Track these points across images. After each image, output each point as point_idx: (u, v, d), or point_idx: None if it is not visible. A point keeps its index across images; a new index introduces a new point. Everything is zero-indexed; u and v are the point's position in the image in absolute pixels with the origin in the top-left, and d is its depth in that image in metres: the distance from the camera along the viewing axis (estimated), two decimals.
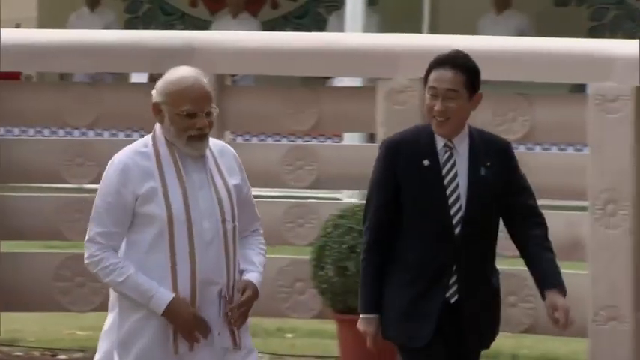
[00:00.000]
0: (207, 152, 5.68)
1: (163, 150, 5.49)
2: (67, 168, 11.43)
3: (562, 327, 5.49)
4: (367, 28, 17.35)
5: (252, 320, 8.27)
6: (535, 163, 10.22)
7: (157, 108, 5.51)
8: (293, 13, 21.58)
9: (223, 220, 5.43)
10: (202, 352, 5.47)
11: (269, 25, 20.53)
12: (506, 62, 11.03)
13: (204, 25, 20.58)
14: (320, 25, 20.53)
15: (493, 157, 5.59)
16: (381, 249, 5.65)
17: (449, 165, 5.45)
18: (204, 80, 5.63)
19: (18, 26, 19.27)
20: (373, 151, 8.91)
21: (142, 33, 16.04)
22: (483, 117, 9.27)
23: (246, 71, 13.00)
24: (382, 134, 10.45)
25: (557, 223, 9.45)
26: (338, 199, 13.15)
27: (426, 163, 5.44)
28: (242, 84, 14.62)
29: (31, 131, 14.74)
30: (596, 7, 21.45)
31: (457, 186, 5.47)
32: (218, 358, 5.52)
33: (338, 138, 14.16)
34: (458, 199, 5.46)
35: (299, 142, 11.78)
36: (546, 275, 5.55)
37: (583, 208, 10.97)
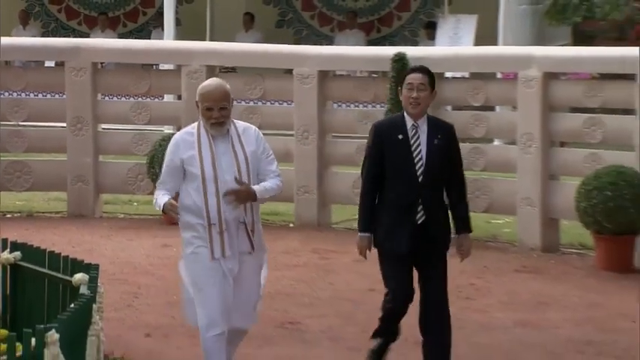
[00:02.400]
0: (233, 130, 6.89)
1: (202, 131, 6.85)
2: None
3: (462, 259, 7.37)
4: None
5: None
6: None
7: (196, 104, 6.93)
8: None
9: (239, 175, 6.82)
10: (230, 256, 6.89)
11: None
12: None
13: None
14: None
15: (442, 133, 7.10)
16: (373, 192, 7.16)
17: (415, 138, 7.02)
18: (223, 87, 6.89)
19: None
20: (180, 104, 13.39)
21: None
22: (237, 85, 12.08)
23: (111, 60, 16.19)
24: (185, 96, 13.84)
25: None
26: (162, 131, 15.44)
27: (400, 137, 7.02)
28: (108, 68, 16.68)
29: None
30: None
31: (420, 151, 7.01)
32: (240, 260, 6.89)
33: (161, 97, 16.06)
34: (420, 159, 7.00)
35: (139, 99, 14.69)
36: (457, 221, 7.29)
37: None
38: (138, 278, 10.79)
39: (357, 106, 14.77)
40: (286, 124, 14.19)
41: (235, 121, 6.94)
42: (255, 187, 6.83)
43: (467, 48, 17.32)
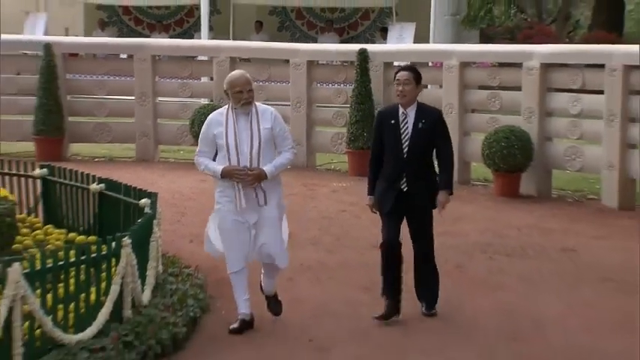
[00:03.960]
0: (253, 111, 6.27)
1: (229, 113, 6.29)
2: None
3: (441, 209, 6.47)
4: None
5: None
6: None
7: (225, 92, 6.36)
8: None
9: (251, 146, 6.18)
10: (250, 208, 6.25)
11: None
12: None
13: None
14: None
15: (427, 118, 6.36)
16: (375, 166, 6.51)
17: (403, 122, 6.35)
18: (246, 75, 6.33)
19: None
20: (212, 84, 14.08)
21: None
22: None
23: (165, 54, 15.45)
24: (215, 78, 13.99)
25: None
26: (199, 102, 14.71)
27: (392, 122, 6.37)
28: (163, 59, 15.43)
29: None
30: None
31: (407, 133, 6.33)
32: (258, 211, 6.26)
33: (199, 79, 15.40)
34: (407, 139, 6.33)
35: (184, 80, 14.57)
36: (440, 183, 6.46)
37: None
38: (184, 202, 10.82)
39: (334, 85, 14.74)
40: (285, 97, 14.13)
41: (257, 103, 6.37)
42: (266, 168, 6.19)
43: (408, 45, 17.41)
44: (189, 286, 6.88)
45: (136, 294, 6.17)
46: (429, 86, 13.88)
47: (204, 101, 14.67)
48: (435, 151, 6.49)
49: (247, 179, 6.14)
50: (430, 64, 13.67)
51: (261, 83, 14.29)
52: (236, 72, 6.44)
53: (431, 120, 6.39)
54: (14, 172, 9.02)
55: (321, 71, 14.48)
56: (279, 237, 6.37)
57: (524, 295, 7.40)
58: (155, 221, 6.98)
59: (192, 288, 6.90)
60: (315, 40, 21.27)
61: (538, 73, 11.95)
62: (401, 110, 6.39)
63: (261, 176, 6.18)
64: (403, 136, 6.33)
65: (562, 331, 6.51)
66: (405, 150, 6.32)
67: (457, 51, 13.25)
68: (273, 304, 6.57)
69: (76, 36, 19.20)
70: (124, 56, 15.34)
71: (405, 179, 6.35)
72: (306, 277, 7.64)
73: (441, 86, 13.30)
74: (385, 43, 19.46)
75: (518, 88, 12.38)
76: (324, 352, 5.92)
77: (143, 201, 7.15)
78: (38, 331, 5.39)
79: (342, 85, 14.37)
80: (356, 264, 8.18)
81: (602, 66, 11.34)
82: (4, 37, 14.51)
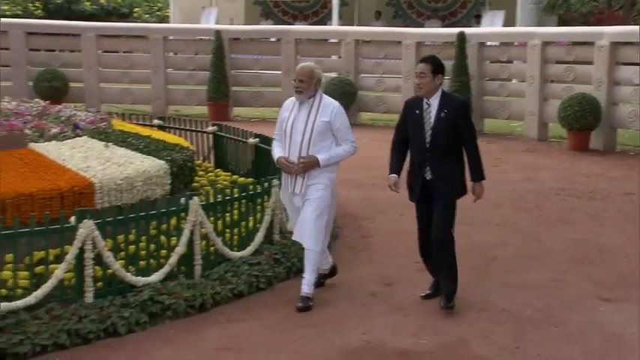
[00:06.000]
0: (316, 102, 5.12)
1: (296, 101, 5.20)
2: None
3: (475, 199, 5.10)
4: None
5: None
6: None
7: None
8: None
9: (303, 135, 5.06)
10: (296, 192, 5.16)
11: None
12: None
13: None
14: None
15: (450, 108, 5.01)
16: (396, 150, 5.14)
17: (426, 112, 5.04)
18: (306, 67, 5.15)
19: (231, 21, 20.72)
20: (340, 61, 13.74)
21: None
22: None
23: (305, 37, 15.59)
24: (343, 57, 14.10)
25: None
26: (331, 75, 15.64)
27: (417, 112, 5.07)
28: (304, 41, 16.30)
29: None
30: None
31: (430, 122, 5.01)
32: (302, 196, 5.12)
33: (330, 57, 14.92)
34: (430, 128, 5.01)
35: (320, 58, 14.00)
36: (471, 173, 5.07)
37: None
38: None
39: None
40: (397, 71, 13.91)
41: (325, 96, 5.19)
42: (320, 156, 5.08)
43: (498, 28, 16.81)
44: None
45: (282, 223, 6.21)
46: (514, 62, 13.40)
47: (333, 75, 14.50)
48: (460, 139, 5.07)
49: (293, 171, 5.08)
50: (516, 43, 13.28)
51: (378, 60, 14.16)
52: (303, 63, 5.31)
53: (453, 110, 5.05)
54: (193, 128, 9.20)
55: (427, 50, 14.10)
56: (311, 220, 5.08)
57: (591, 229, 7.16)
58: None
59: None
60: (422, 26, 20.75)
61: (607, 50, 11.55)
62: (425, 100, 5.10)
63: (312, 164, 5.05)
64: (426, 125, 5.06)
65: (623, 256, 6.32)
66: (428, 139, 5.04)
67: (539, 32, 12.87)
68: (303, 301, 5.09)
69: (239, 25, 19.32)
70: (274, 39, 15.32)
71: (427, 167, 5.05)
72: (411, 215, 7.55)
73: (525, 61, 12.91)
74: (479, 27, 18.80)
75: (590, 63, 11.95)
76: (426, 271, 5.83)
77: None
78: (212, 248, 5.54)
79: (443, 61, 14.08)
80: None
81: None
82: (186, 26, 15.05)
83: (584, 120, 11.32)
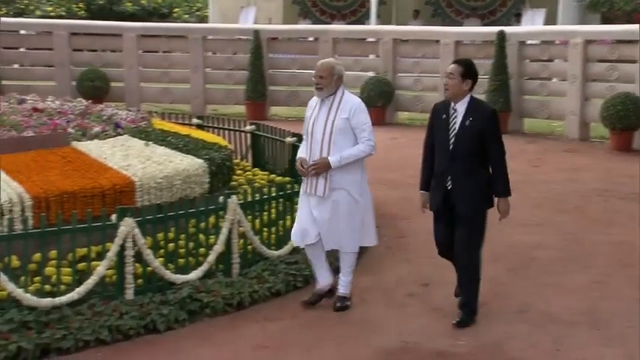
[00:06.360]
0: (336, 100, 4.90)
1: (318, 99, 4.99)
2: None
3: (500, 218, 4.72)
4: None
5: None
6: None
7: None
8: None
9: (324, 133, 4.85)
10: (312, 194, 4.93)
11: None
12: None
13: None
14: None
15: (476, 115, 4.65)
16: (428, 160, 4.82)
17: (452, 118, 4.69)
18: (326, 63, 4.96)
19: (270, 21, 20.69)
20: (377, 60, 13.56)
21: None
22: None
23: (343, 37, 16.02)
24: (381, 55, 13.91)
25: None
26: (368, 74, 15.63)
27: (444, 116, 4.73)
28: (342, 40, 16.51)
29: None
30: None
31: (455, 129, 4.66)
32: (324, 198, 4.89)
33: (367, 56, 14.99)
34: (454, 135, 4.65)
35: (357, 58, 14.51)
36: (495, 189, 4.68)
37: None
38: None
39: (477, 60, 14.00)
40: (435, 70, 13.74)
41: (347, 93, 4.96)
42: (331, 158, 4.83)
43: (539, 27, 16.57)
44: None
45: None
46: (555, 60, 13.28)
47: (371, 74, 14.46)
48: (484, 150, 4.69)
49: (307, 174, 4.89)
50: (557, 42, 13.12)
51: (416, 59, 14.08)
52: (324, 59, 5.12)
53: (480, 118, 4.66)
54: (231, 127, 9.26)
55: (466, 49, 14.04)
56: (344, 225, 4.91)
57: (634, 231, 6.98)
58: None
59: None
60: (461, 25, 20.55)
61: None
62: (452, 105, 4.74)
63: (324, 166, 4.83)
64: (451, 131, 4.70)
65: None
66: (451, 147, 4.68)
67: (581, 30, 12.67)
68: (340, 300, 5.01)
69: (277, 24, 19.39)
70: (311, 39, 15.34)
71: (449, 177, 4.68)
72: None
73: (566, 60, 12.71)
74: (519, 25, 18.60)
75: (634, 61, 11.69)
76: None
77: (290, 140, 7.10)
78: (249, 247, 5.57)
79: (482, 60, 13.86)
80: None
81: None
82: (225, 25, 15.01)
83: (627, 119, 11.14)
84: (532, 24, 17.72)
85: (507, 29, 13.60)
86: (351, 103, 4.91)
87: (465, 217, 4.64)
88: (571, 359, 4.30)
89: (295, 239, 5.09)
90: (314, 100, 5.04)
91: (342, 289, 5.04)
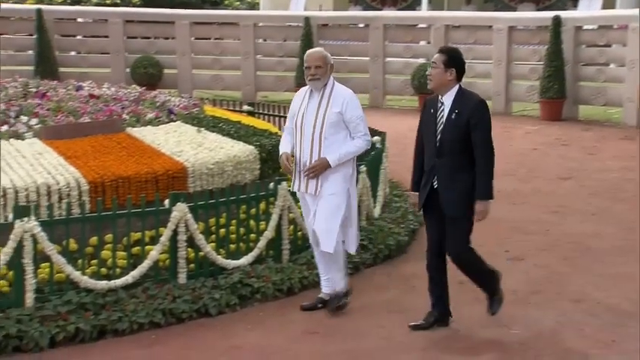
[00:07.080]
0: (327, 92, 4.66)
1: (307, 90, 4.75)
2: None
3: (478, 220, 4.30)
4: None
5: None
6: None
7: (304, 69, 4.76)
8: None
9: (314, 127, 4.60)
10: (305, 192, 4.73)
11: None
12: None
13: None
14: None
15: (462, 108, 4.29)
16: (418, 157, 4.47)
17: (439, 112, 4.33)
18: (318, 52, 4.72)
19: (320, 7, 20.60)
20: (429, 47, 13.88)
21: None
22: None
23: (393, 23, 16.24)
24: (432, 42, 14.19)
25: None
26: (417, 61, 15.18)
27: (432, 111, 4.39)
28: (392, 27, 16.35)
29: None
30: None
31: (441, 123, 4.32)
32: (314, 197, 4.68)
33: (418, 42, 15.36)
34: (441, 131, 4.32)
35: (408, 44, 14.69)
36: (477, 189, 4.24)
37: None
38: (405, 140, 10.29)
39: (530, 46, 14.00)
40: (488, 57, 13.74)
41: (338, 84, 4.70)
42: (330, 157, 4.60)
43: (596, 11, 16.15)
44: (410, 205, 6.74)
45: (369, 209, 6.22)
46: (613, 46, 12.96)
47: (421, 60, 14.39)
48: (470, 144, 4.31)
49: (308, 176, 4.65)
50: (615, 26, 12.81)
51: (469, 45, 13.92)
52: (313, 49, 4.86)
53: (466, 110, 4.28)
54: (282, 114, 9.31)
55: (520, 34, 13.98)
56: (327, 220, 4.64)
57: None
58: (384, 154, 7.01)
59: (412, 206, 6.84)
60: (514, 10, 20.42)
61: None
62: (439, 100, 4.38)
63: (324, 166, 4.60)
64: (438, 126, 4.35)
65: None
66: (438, 142, 4.33)
67: None
68: (334, 298, 4.79)
69: (327, 11, 19.34)
70: (362, 25, 15.31)
71: (435, 175, 4.35)
72: (503, 202, 7.38)
73: (624, 45, 12.44)
74: (576, 9, 18.35)
75: None
76: (517, 261, 5.72)
77: (375, 138, 7.10)
78: (299, 233, 5.58)
79: (537, 46, 13.69)
80: (546, 191, 7.81)
81: None
82: (276, 12, 15.07)
83: None
84: (589, 8, 17.38)
85: (563, 14, 13.41)
86: (342, 95, 4.65)
87: (452, 215, 4.32)
88: (627, 350, 4.20)
89: (312, 241, 4.84)
90: (303, 91, 4.79)
91: (327, 289, 4.83)
